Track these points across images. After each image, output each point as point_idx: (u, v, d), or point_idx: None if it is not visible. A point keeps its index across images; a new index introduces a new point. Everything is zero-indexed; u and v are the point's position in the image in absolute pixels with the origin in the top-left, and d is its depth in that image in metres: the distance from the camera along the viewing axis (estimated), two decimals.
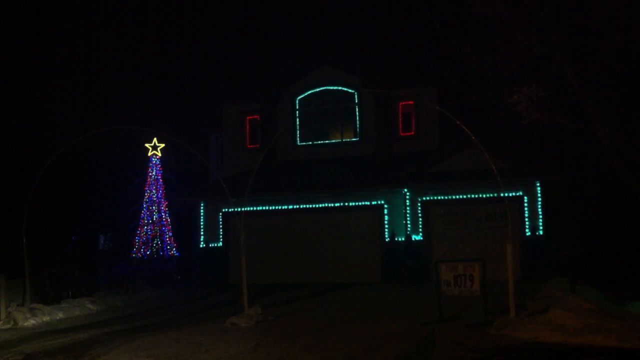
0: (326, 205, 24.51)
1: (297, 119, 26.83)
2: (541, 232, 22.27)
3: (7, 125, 29.04)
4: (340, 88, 26.47)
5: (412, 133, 25.62)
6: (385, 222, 24.00)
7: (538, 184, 22.31)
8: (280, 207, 24.84)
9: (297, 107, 26.95)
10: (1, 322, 16.86)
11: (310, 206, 24.69)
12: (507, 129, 20.59)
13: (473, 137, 14.62)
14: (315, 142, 26.52)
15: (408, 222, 23.59)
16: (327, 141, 26.50)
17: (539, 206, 22.43)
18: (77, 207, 31.92)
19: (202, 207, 26.16)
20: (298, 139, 26.80)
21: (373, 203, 24.08)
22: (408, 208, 23.60)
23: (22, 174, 24.96)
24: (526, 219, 22.47)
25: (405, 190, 23.44)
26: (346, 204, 24.31)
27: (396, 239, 23.69)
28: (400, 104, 25.78)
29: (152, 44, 48.76)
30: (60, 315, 17.97)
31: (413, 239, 23.45)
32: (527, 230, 22.40)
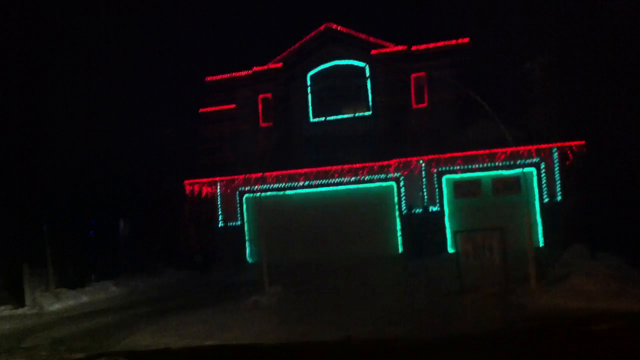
0: (342, 180, 24.51)
1: (310, 96, 26.77)
2: (559, 199, 22.17)
3: (22, 113, 29.11)
4: (350, 62, 26.33)
5: (425, 105, 25.46)
6: (403, 195, 23.99)
7: (555, 151, 22.16)
8: (296, 184, 24.88)
9: (309, 83, 26.86)
10: (27, 307, 17.12)
11: (326, 182, 24.71)
12: (523, 96, 20.47)
13: (487, 107, 14.54)
14: (328, 118, 26.46)
15: (425, 194, 23.57)
16: (340, 116, 26.41)
17: (557, 173, 22.29)
18: (97, 191, 32.08)
19: (218, 188, 26.29)
20: (311, 115, 26.76)
21: (389, 176, 24.03)
22: (424, 180, 23.56)
23: (42, 161, 25.09)
24: (544, 187, 22.36)
25: (421, 162, 23.40)
26: (362, 178, 24.28)
27: (414, 211, 23.68)
28: (413, 75, 25.61)
29: (166, 22, 48.54)
30: (85, 299, 18.19)
31: (431, 210, 23.45)
32: (545, 197, 22.31)
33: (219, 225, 26.35)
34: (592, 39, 13.95)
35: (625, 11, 13.50)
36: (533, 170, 22.25)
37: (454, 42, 24.45)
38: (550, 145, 21.84)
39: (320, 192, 24.97)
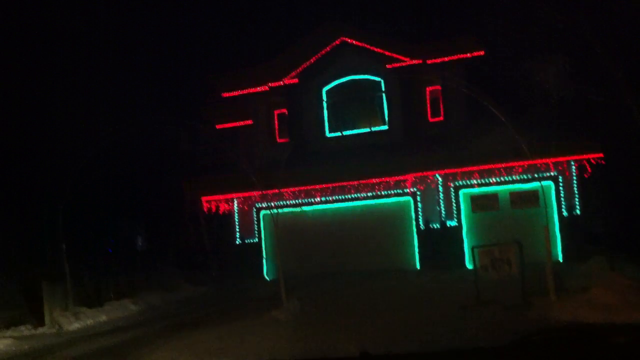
0: (359, 194, 24.50)
1: (325, 110, 26.84)
2: (578, 212, 22.00)
3: (39, 130, 29.38)
4: (365, 77, 26.39)
5: (441, 118, 25.44)
6: (419, 209, 23.93)
7: (573, 163, 22.01)
8: (312, 199, 24.91)
9: (324, 98, 26.94)
10: (46, 326, 17.19)
11: (343, 196, 24.71)
12: (540, 107, 20.35)
13: (504, 120, 14.49)
14: (344, 133, 26.49)
15: (442, 208, 23.51)
16: (355, 131, 26.44)
17: (575, 186, 22.13)
18: (115, 210, 32.36)
19: (235, 204, 26.38)
20: (327, 130, 26.82)
21: (406, 191, 24.00)
22: (441, 194, 23.51)
23: (58, 178, 25.39)
24: (562, 200, 22.21)
25: (438, 176, 23.34)
26: (379, 192, 24.26)
27: (431, 225, 23.62)
28: (428, 89, 25.63)
29: (176, 36, 48.82)
30: (103, 317, 18.25)
31: (448, 224, 23.37)
32: (563, 210, 22.15)
33: (236, 242, 26.43)
34: (610, 46, 13.83)
35: None
36: (551, 183, 22.12)
37: (469, 55, 24.43)
38: (568, 157, 21.67)
39: (337, 207, 25.00)
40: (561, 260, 21.15)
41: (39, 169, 28.20)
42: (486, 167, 22.36)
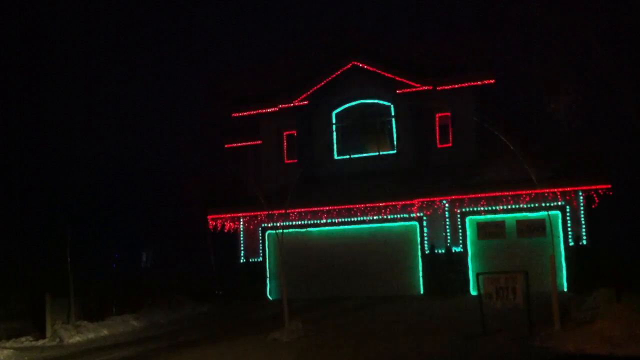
0: (365, 218, 24.46)
1: (334, 133, 26.89)
2: (585, 242, 21.86)
3: (45, 142, 29.50)
4: (375, 101, 26.46)
5: (450, 144, 25.45)
6: (425, 234, 23.85)
7: (580, 193, 21.93)
8: (319, 222, 24.84)
9: (334, 121, 27.01)
10: (47, 339, 17.16)
11: (349, 219, 24.66)
12: (548, 136, 20.33)
13: (512, 148, 14.45)
14: (352, 156, 26.51)
15: (448, 234, 23.41)
16: (364, 154, 26.45)
17: (582, 215, 22.02)
18: (120, 223, 32.40)
19: (241, 223, 26.35)
20: (335, 153, 26.84)
21: (412, 215, 23.91)
22: (447, 220, 23.42)
23: (64, 191, 25.46)
24: (569, 230, 22.10)
25: (445, 202, 23.29)
26: (385, 217, 24.20)
27: (436, 251, 23.52)
28: (437, 115, 25.67)
29: (185, 55, 49.12)
30: (105, 332, 18.19)
31: (453, 251, 23.26)
32: (570, 240, 22.03)
33: (241, 261, 26.36)
34: (620, 76, 13.77)
35: None
36: (558, 212, 22.02)
37: (479, 82, 24.54)
38: (576, 187, 21.59)
39: (343, 230, 24.94)
40: (567, 291, 21.01)
41: (46, 180, 28.29)
42: (493, 194, 22.29)
